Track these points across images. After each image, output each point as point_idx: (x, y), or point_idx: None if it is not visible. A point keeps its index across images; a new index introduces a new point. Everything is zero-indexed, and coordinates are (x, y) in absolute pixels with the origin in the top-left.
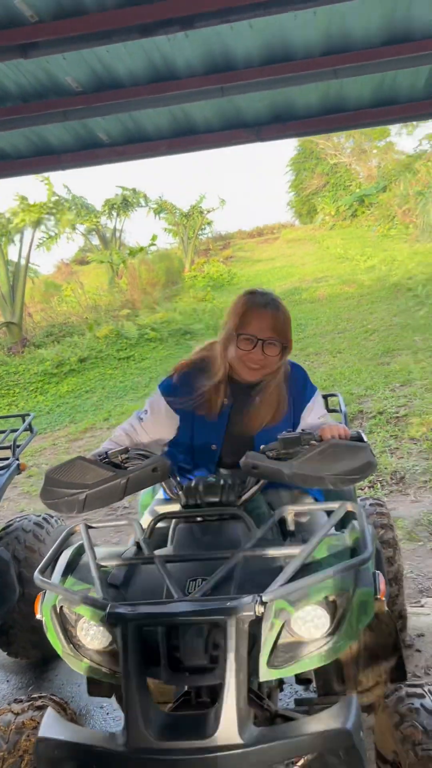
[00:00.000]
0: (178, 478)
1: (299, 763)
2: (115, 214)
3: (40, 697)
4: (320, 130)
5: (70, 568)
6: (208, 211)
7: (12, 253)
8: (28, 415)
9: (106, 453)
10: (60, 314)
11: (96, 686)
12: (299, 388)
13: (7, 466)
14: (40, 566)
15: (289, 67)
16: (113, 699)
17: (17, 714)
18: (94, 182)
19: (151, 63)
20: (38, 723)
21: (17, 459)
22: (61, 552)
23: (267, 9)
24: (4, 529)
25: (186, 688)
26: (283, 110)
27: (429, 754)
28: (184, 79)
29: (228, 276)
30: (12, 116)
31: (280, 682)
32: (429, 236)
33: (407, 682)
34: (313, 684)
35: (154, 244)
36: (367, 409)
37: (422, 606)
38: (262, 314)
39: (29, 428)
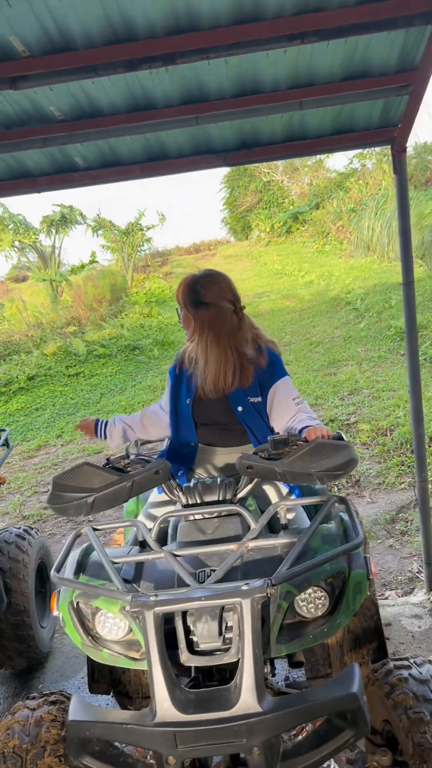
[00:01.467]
0: (178, 480)
1: (302, 735)
2: (53, 231)
3: (52, 693)
4: (283, 156)
5: (81, 567)
6: (148, 228)
7: None
8: (3, 430)
9: (108, 459)
10: (2, 332)
11: (96, 684)
12: (266, 367)
13: None
14: (54, 566)
15: (258, 99)
16: (109, 698)
17: (33, 709)
18: (29, 199)
19: (132, 95)
20: (55, 716)
21: None
22: (69, 553)
23: (243, 48)
24: None
25: (193, 673)
26: (249, 138)
27: (420, 716)
28: (161, 109)
29: (170, 292)
30: None
31: (272, 667)
32: (363, 252)
33: (393, 657)
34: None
35: (96, 261)
36: (318, 417)
37: (386, 598)
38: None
39: (5, 443)
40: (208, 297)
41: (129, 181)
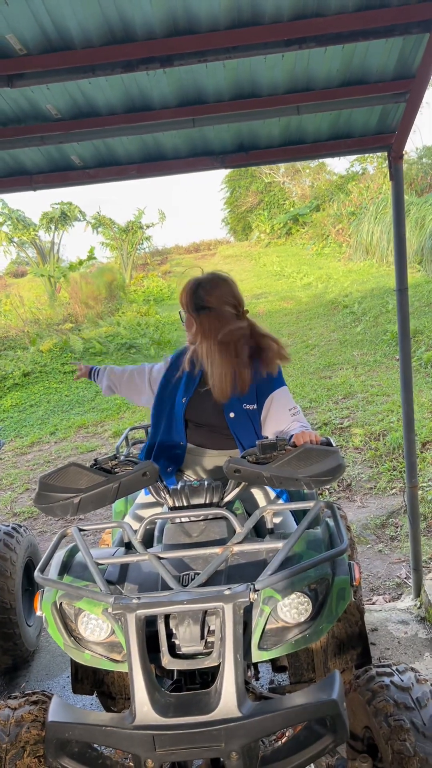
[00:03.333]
0: (165, 482)
1: (282, 740)
2: (53, 227)
3: (33, 693)
4: (279, 160)
5: (66, 568)
6: (148, 227)
7: None
8: None
9: (95, 460)
10: None
11: (80, 684)
12: (265, 376)
13: None
14: (39, 566)
15: (255, 102)
16: (93, 698)
17: (14, 709)
18: (29, 196)
19: (129, 95)
20: (36, 716)
21: None
22: (54, 553)
23: (241, 52)
24: None
25: (176, 675)
26: (247, 141)
27: (400, 724)
28: (158, 110)
29: (168, 291)
30: None
31: (257, 671)
32: (362, 255)
33: (376, 664)
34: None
35: (94, 257)
36: (312, 420)
37: (374, 603)
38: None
39: None
40: (210, 302)
41: (125, 180)
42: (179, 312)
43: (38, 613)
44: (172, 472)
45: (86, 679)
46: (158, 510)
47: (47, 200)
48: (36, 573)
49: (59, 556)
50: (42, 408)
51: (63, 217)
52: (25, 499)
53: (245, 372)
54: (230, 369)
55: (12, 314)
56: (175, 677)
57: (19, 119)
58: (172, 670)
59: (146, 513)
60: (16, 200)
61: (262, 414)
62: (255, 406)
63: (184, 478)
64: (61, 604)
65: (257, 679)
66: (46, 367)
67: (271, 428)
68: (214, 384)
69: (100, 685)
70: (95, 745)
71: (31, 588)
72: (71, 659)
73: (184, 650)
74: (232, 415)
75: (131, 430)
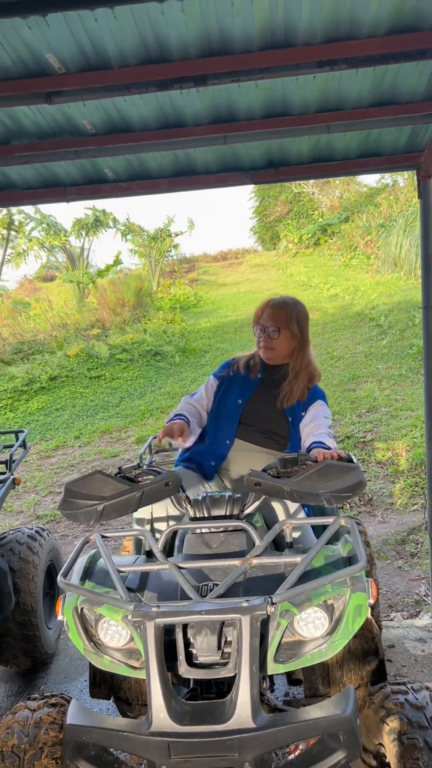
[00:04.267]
0: (186, 493)
1: (295, 753)
2: (83, 233)
3: (52, 696)
4: (308, 177)
5: (88, 574)
6: (177, 234)
7: None
8: (22, 431)
9: (119, 468)
10: (27, 331)
11: (97, 689)
12: (310, 399)
13: (3, 481)
14: (61, 571)
15: (286, 121)
16: (110, 702)
17: (34, 710)
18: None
19: (162, 112)
20: (55, 718)
21: (12, 474)
22: (77, 559)
23: (274, 72)
24: None
25: (191, 684)
26: (276, 157)
27: (414, 742)
28: (190, 127)
29: (194, 299)
30: (27, 152)
31: (272, 683)
32: (390, 268)
33: (391, 681)
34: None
35: (121, 262)
36: (335, 433)
37: (392, 620)
38: (268, 309)
39: (23, 444)
40: (303, 321)
41: (156, 194)
42: (260, 327)
43: (59, 617)
44: (215, 467)
45: (104, 684)
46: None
47: (77, 206)
48: (59, 578)
49: (81, 561)
50: (67, 412)
51: (95, 223)
52: (49, 502)
53: (306, 385)
54: (306, 380)
55: (41, 318)
56: (191, 686)
57: (55, 134)
58: (188, 679)
59: (162, 525)
60: (47, 205)
61: (304, 421)
62: (304, 413)
63: (206, 491)
64: (82, 609)
65: (272, 691)
66: (72, 372)
67: (307, 430)
68: (289, 391)
69: (117, 690)
70: (111, 750)
71: (51, 591)
72: (90, 664)
73: (201, 660)
74: (290, 419)
75: (154, 438)
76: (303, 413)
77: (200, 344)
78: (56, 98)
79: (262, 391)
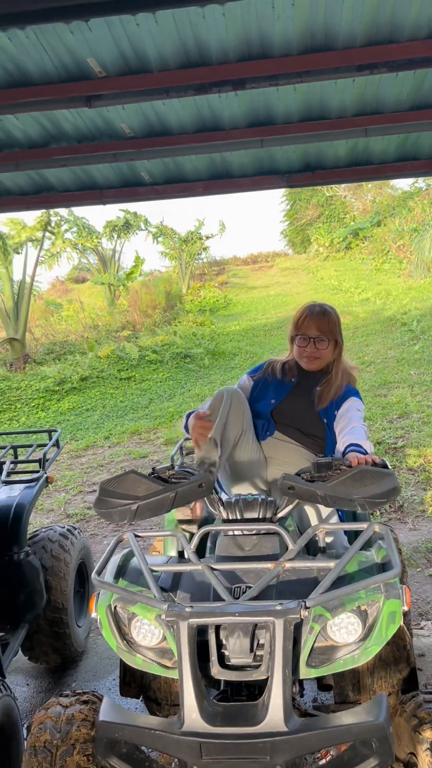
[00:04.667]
0: (221, 494)
1: (326, 758)
2: (115, 236)
3: (84, 693)
4: (345, 180)
5: (121, 572)
6: (208, 237)
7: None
8: (55, 431)
9: (153, 469)
10: (59, 332)
11: (127, 687)
12: (343, 397)
13: (37, 479)
14: (96, 569)
15: (324, 124)
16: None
17: (66, 707)
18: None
19: (200, 115)
20: (86, 715)
21: (45, 472)
22: (110, 557)
23: (313, 76)
24: (31, 538)
25: (222, 686)
26: (313, 161)
27: None
28: (227, 130)
29: (224, 302)
30: (66, 155)
31: (301, 688)
32: (423, 273)
33: (423, 690)
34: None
35: (143, 261)
36: None
37: (422, 628)
38: (312, 319)
39: (56, 444)
40: (335, 331)
41: (192, 197)
42: (308, 337)
43: (93, 614)
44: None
45: (134, 683)
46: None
47: (110, 209)
48: (93, 575)
49: (115, 560)
50: (97, 412)
51: (126, 226)
52: (78, 501)
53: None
54: (342, 383)
55: (72, 319)
56: (221, 688)
57: (94, 137)
58: (219, 680)
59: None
60: (80, 207)
61: (337, 418)
62: (337, 411)
63: (238, 493)
64: (115, 607)
65: (302, 695)
66: (103, 373)
67: (341, 425)
68: (325, 394)
69: (147, 689)
70: (143, 748)
71: (82, 590)
72: (120, 662)
73: (233, 661)
74: (325, 420)
75: (186, 440)
76: (336, 411)
77: (230, 347)
78: (96, 102)
79: (297, 393)
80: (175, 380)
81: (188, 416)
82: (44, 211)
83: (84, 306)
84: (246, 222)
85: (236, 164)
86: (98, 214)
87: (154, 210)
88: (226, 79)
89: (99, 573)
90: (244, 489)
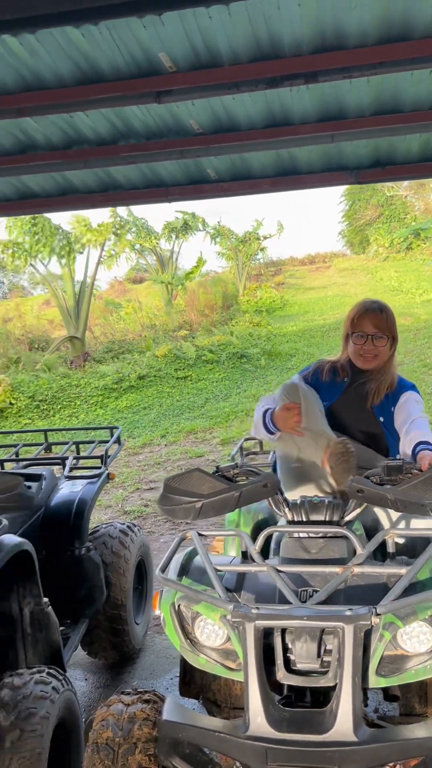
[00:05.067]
0: (285, 495)
1: None
2: (173, 236)
3: (145, 692)
4: (416, 176)
5: (184, 570)
6: (265, 237)
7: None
8: (116, 428)
9: (217, 467)
10: (118, 331)
11: (187, 688)
12: (398, 391)
13: (99, 475)
14: (159, 566)
15: (397, 118)
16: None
17: (128, 705)
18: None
19: (270, 110)
20: (148, 715)
21: (107, 468)
22: (174, 555)
23: (388, 67)
24: (91, 533)
25: (285, 691)
26: (383, 156)
27: None
28: (297, 125)
29: (280, 302)
30: (134, 153)
31: (365, 697)
32: None
33: None
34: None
35: (204, 261)
36: None
37: None
38: (369, 315)
39: (117, 441)
40: (393, 327)
41: (258, 194)
42: (366, 335)
43: (156, 612)
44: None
45: (193, 683)
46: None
47: (169, 209)
48: (157, 572)
49: (178, 558)
50: (154, 411)
51: (185, 227)
52: (136, 498)
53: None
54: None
55: (130, 319)
56: (284, 693)
57: (162, 134)
58: (282, 685)
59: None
60: (141, 208)
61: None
62: (394, 408)
63: (304, 495)
64: (179, 606)
65: (366, 705)
66: (160, 372)
67: (400, 418)
68: (381, 385)
69: (207, 691)
70: (205, 749)
71: (140, 587)
72: (181, 662)
73: (299, 666)
74: (382, 419)
75: (246, 440)
76: (393, 408)
77: (286, 348)
78: (166, 97)
79: (350, 393)
80: (231, 380)
81: (265, 413)
82: (114, 213)
83: (142, 306)
84: (303, 222)
85: (304, 160)
86: (157, 215)
87: (211, 210)
88: (298, 72)
89: (163, 570)
90: (305, 491)
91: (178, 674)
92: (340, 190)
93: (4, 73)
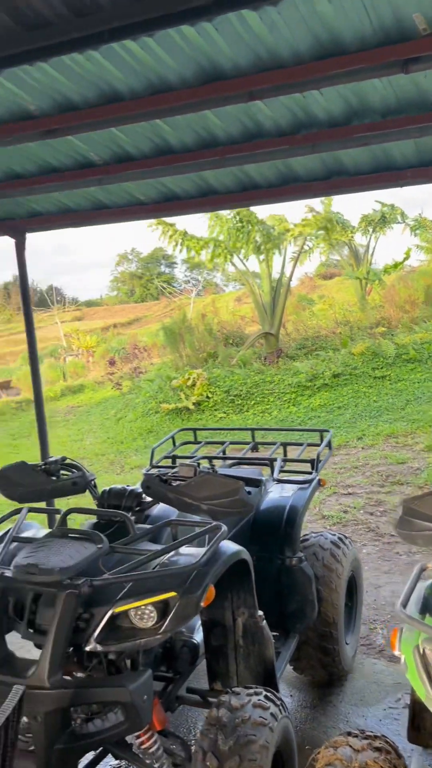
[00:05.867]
0: None
1: None
2: (370, 230)
3: (376, 737)
4: None
5: (427, 607)
6: None
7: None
8: (327, 431)
9: None
10: (311, 327)
11: (417, 734)
12: None
13: (310, 481)
14: (401, 599)
15: None
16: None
17: (357, 751)
18: (351, 197)
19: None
20: (381, 766)
21: (318, 474)
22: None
23: None
24: (302, 542)
25: None
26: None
27: None
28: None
29: None
30: (368, 133)
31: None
32: None
33: None
34: None
35: (409, 257)
36: None
37: None
38: None
39: (328, 445)
40: None
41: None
42: None
43: (396, 652)
44: None
45: (424, 730)
46: None
47: (366, 203)
48: (398, 607)
49: (420, 590)
50: (350, 411)
51: (382, 220)
52: (333, 502)
53: None
54: None
55: (323, 315)
56: None
57: (402, 109)
58: None
59: None
60: (336, 201)
61: None
62: None
63: None
64: (424, 650)
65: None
66: (356, 371)
67: None
68: None
69: None
70: None
71: (350, 604)
72: (410, 705)
73: None
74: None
75: None
76: None
77: None
78: (414, 65)
79: None
80: None
81: None
82: (310, 208)
83: (335, 301)
84: None
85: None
86: (353, 209)
87: (410, 203)
88: None
89: (404, 605)
90: None
91: (392, 705)
92: None
93: (237, 53)
